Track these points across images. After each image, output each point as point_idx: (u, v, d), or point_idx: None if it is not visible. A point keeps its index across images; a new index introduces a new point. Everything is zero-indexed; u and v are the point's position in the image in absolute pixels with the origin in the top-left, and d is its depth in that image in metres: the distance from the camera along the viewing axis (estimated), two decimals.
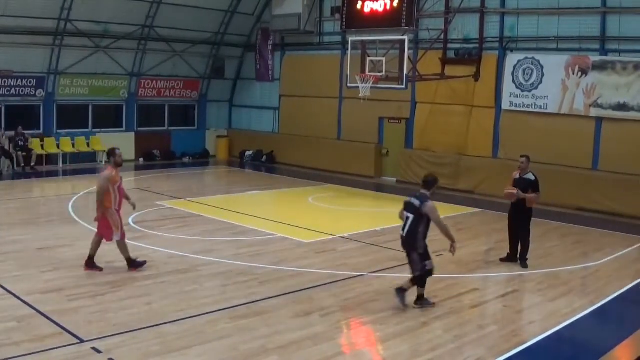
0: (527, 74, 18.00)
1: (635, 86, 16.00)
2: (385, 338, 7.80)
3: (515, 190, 11.02)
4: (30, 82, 21.50)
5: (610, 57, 16.49)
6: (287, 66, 24.82)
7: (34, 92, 21.66)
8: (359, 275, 10.32)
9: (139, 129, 24.74)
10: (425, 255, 8.65)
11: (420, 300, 8.75)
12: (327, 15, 23.18)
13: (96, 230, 10.12)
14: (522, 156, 11.30)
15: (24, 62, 20.98)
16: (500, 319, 8.58)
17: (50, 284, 9.26)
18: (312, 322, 8.17)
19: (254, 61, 26.01)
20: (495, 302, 9.24)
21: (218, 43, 25.59)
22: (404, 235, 8.74)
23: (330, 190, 19.34)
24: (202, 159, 25.83)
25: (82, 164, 22.34)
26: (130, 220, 13.56)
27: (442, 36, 19.18)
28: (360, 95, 17.33)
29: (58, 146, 22.26)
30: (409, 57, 17.11)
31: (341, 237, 13.01)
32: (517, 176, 11.25)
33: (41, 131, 22.24)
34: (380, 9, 17.06)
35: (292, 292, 9.31)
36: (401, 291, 8.70)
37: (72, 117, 23.13)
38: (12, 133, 20.79)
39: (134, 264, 10.09)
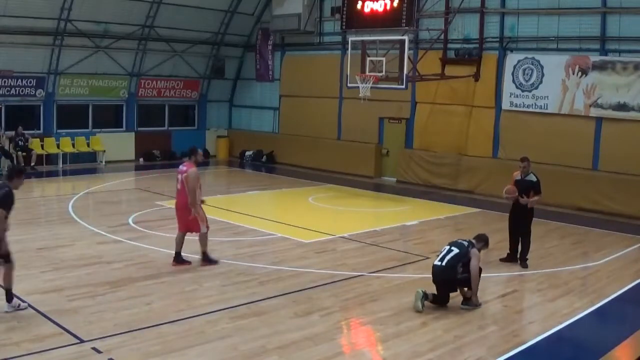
0: (527, 74, 18.00)
1: (635, 86, 16.00)
2: (385, 338, 7.80)
3: (514, 189, 11.07)
4: (30, 82, 21.49)
5: (610, 57, 16.49)
6: (287, 66, 24.81)
7: (34, 92, 21.65)
8: (358, 275, 10.32)
9: (139, 129, 24.71)
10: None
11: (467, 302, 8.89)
12: (327, 15, 23.16)
13: (178, 226, 10.51)
14: (522, 159, 11.26)
15: (24, 62, 20.96)
16: (500, 319, 8.58)
17: (50, 284, 9.27)
18: (312, 322, 8.17)
19: (254, 61, 26.01)
20: (495, 302, 9.23)
21: (218, 43, 25.60)
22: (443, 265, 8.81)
23: (330, 190, 19.34)
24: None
25: (82, 164, 22.34)
26: (130, 220, 13.58)
27: (442, 36, 19.18)
28: (360, 95, 17.32)
29: (58, 146, 22.25)
30: (409, 57, 17.10)
31: (341, 237, 13.01)
32: (519, 177, 11.24)
33: (41, 131, 22.23)
34: (380, 9, 17.05)
35: (292, 292, 9.31)
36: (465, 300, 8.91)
37: (72, 117, 23.10)
38: (12, 133, 20.78)
39: (207, 259, 10.47)
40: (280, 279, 9.98)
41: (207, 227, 10.52)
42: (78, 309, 8.24)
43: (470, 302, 8.78)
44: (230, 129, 27.40)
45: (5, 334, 7.30)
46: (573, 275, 10.82)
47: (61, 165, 22.04)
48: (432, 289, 8.83)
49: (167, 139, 25.48)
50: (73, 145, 22.65)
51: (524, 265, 11.10)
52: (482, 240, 9.13)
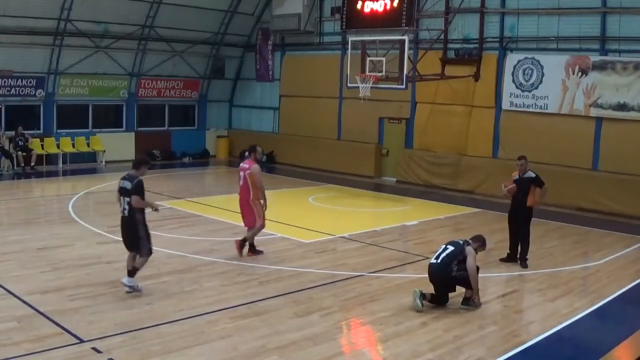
0: (527, 74, 18.00)
1: (635, 86, 16.01)
2: (385, 338, 7.80)
3: (515, 187, 11.11)
4: (30, 82, 21.49)
5: (610, 57, 16.49)
6: (287, 66, 24.81)
7: (34, 92, 21.65)
8: (358, 275, 10.32)
9: (139, 129, 24.71)
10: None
11: (467, 301, 8.88)
12: (327, 15, 23.17)
13: (243, 222, 11.40)
14: (519, 158, 11.31)
15: (24, 62, 20.96)
16: (500, 319, 8.58)
17: (50, 284, 9.26)
18: (312, 322, 8.17)
19: (254, 61, 26.01)
20: (495, 302, 9.23)
21: (218, 43, 25.59)
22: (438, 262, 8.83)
23: (330, 190, 19.34)
24: (202, 159, 25.82)
25: (82, 164, 22.34)
26: None
27: (442, 36, 19.17)
28: (360, 95, 17.31)
29: (58, 146, 22.25)
30: (409, 57, 17.09)
31: (341, 237, 13.01)
32: (517, 177, 11.27)
33: (41, 131, 22.23)
34: (380, 9, 17.04)
35: (292, 292, 9.31)
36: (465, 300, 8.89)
37: (72, 117, 23.10)
38: (12, 133, 20.78)
39: (254, 250, 11.19)
40: (280, 279, 9.98)
41: (263, 225, 11.18)
42: (78, 309, 8.24)
43: (470, 302, 8.78)
44: (230, 129, 27.40)
45: (5, 334, 7.29)
46: (573, 275, 10.82)
47: (61, 165, 22.04)
48: (431, 289, 8.83)
49: (167, 139, 25.48)
50: (73, 145, 22.65)
51: (524, 265, 11.10)
52: (479, 241, 9.13)
